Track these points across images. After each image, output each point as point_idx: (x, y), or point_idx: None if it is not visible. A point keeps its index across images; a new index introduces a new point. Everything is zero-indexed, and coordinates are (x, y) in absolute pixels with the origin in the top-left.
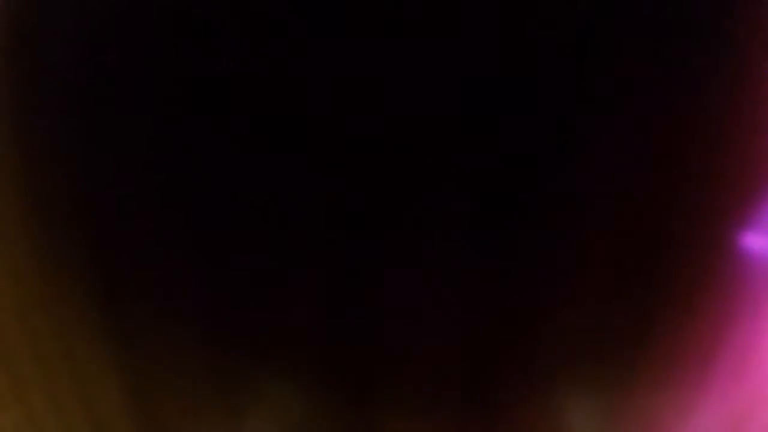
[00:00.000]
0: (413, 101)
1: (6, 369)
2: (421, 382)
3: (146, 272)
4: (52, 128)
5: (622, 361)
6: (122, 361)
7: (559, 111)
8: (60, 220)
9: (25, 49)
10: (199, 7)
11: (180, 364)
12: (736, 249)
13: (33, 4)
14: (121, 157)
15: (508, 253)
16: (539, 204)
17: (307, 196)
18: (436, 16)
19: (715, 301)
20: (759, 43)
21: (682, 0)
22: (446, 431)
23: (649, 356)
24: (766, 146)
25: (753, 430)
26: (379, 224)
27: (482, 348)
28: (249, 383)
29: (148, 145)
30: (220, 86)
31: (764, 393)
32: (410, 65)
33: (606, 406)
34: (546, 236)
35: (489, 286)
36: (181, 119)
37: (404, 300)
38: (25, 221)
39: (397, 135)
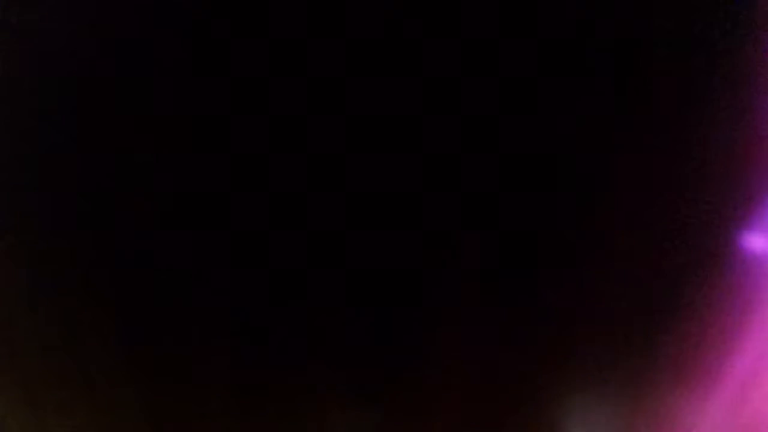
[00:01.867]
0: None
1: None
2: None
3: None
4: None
5: (631, 368)
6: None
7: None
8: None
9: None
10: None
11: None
12: (742, 254)
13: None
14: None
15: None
16: (543, 211)
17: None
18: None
19: (721, 306)
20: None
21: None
22: None
23: (658, 363)
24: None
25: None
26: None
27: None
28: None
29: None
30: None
31: None
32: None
33: (616, 411)
34: (562, 251)
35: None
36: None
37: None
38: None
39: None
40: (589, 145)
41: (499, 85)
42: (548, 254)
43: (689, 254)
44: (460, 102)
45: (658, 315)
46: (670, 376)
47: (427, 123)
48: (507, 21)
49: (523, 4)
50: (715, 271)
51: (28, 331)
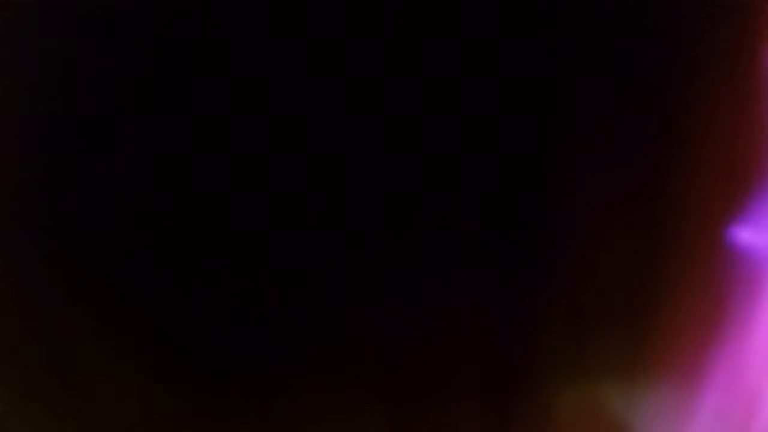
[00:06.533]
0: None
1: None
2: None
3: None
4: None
5: (621, 359)
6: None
7: (557, 113)
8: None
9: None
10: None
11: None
12: (732, 246)
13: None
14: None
15: (511, 255)
16: (538, 206)
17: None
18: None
19: (711, 299)
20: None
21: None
22: None
23: (647, 354)
24: (757, 141)
25: (753, 427)
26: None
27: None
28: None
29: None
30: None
31: (762, 390)
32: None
33: (605, 405)
34: (547, 238)
35: (496, 290)
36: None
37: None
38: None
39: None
40: (579, 141)
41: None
42: (550, 257)
43: (683, 252)
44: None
45: (650, 310)
46: (660, 372)
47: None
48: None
49: None
50: (708, 267)
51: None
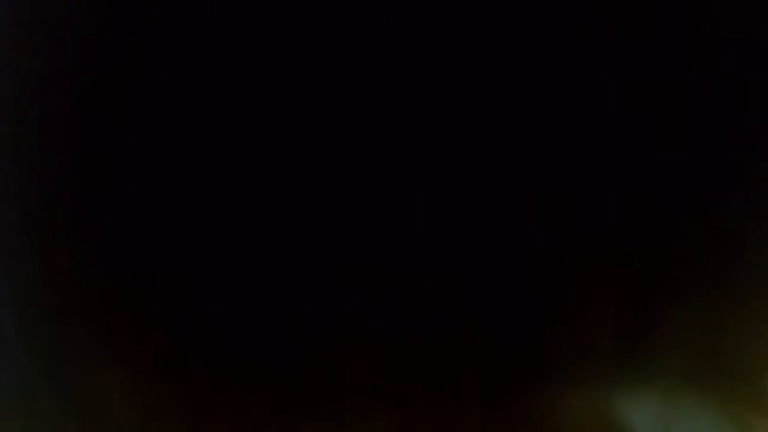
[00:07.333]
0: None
1: None
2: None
3: None
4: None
5: (621, 366)
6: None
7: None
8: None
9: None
10: None
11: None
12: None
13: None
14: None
15: (516, 269)
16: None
17: None
18: None
19: (719, 303)
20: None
21: None
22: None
23: (647, 359)
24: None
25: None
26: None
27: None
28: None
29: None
30: None
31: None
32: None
33: (606, 409)
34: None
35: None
36: None
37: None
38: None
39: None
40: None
41: None
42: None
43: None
44: None
45: (660, 315)
46: (670, 374)
47: None
48: None
49: None
50: (716, 274)
51: None
